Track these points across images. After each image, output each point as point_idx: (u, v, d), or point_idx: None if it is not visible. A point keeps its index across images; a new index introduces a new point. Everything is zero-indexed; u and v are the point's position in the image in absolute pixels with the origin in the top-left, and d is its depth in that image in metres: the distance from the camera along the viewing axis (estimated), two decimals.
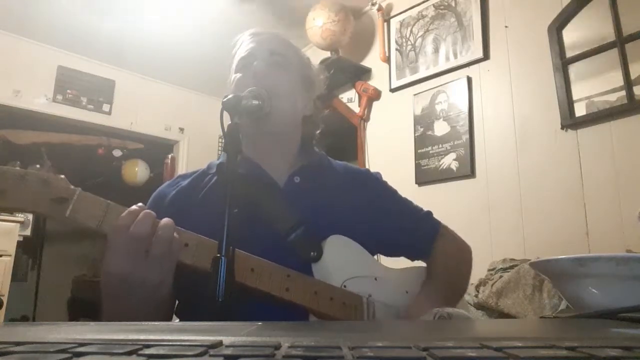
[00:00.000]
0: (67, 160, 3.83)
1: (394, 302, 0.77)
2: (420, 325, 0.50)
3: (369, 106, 2.76)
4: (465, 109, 2.22)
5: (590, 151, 1.76)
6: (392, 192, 0.92)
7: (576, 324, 0.41)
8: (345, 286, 0.73)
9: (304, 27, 2.76)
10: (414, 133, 2.44)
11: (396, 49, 2.65)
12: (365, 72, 2.82)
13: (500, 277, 1.63)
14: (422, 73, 2.47)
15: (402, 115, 2.53)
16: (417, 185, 2.37)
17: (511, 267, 1.67)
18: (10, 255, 2.88)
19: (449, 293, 0.82)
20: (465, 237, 0.94)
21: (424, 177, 2.35)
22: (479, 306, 1.65)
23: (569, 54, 1.88)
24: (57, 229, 4.82)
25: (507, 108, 2.08)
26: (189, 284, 0.61)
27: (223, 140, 0.63)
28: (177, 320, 0.74)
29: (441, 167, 2.27)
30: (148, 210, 0.58)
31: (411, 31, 2.59)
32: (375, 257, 0.86)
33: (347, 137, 2.76)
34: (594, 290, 0.46)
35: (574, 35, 1.89)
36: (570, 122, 1.82)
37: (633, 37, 1.68)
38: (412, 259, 0.92)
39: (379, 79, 2.75)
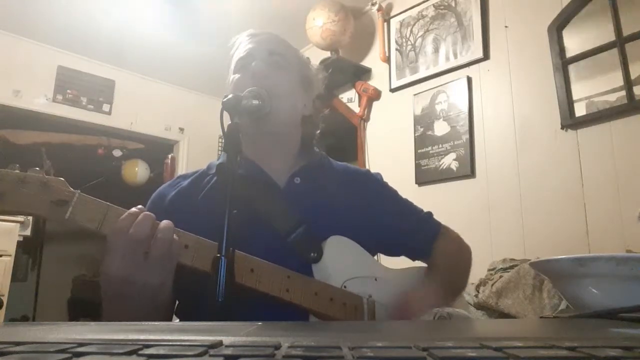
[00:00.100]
0: (67, 160, 3.83)
1: (395, 303, 0.77)
2: (420, 325, 0.50)
3: (369, 106, 2.76)
4: (465, 109, 2.22)
5: (590, 151, 1.76)
6: (393, 193, 0.92)
7: (576, 324, 0.41)
8: (345, 287, 0.73)
9: (304, 27, 2.76)
10: (414, 133, 2.44)
11: (396, 49, 2.65)
12: (365, 72, 2.82)
13: (500, 277, 1.63)
14: (422, 73, 2.47)
15: (402, 115, 2.53)
16: (417, 185, 2.37)
17: (511, 267, 1.67)
18: (10, 255, 2.88)
19: (447, 290, 0.82)
20: (465, 237, 0.94)
21: (424, 177, 2.35)
22: (479, 306, 1.65)
23: (569, 54, 1.88)
24: (57, 229, 4.82)
25: (507, 108, 2.08)
26: (189, 285, 0.61)
27: (223, 140, 0.63)
28: (177, 320, 0.74)
29: (441, 167, 2.27)
30: (147, 212, 0.58)
31: (411, 31, 2.59)
32: (376, 257, 0.86)
33: (347, 137, 2.76)
34: (594, 290, 0.46)
35: (574, 35, 1.89)
36: (570, 122, 1.82)
37: (633, 37, 1.68)
38: (413, 259, 0.92)
39: (379, 79, 2.75)
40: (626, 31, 1.70)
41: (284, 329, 0.35)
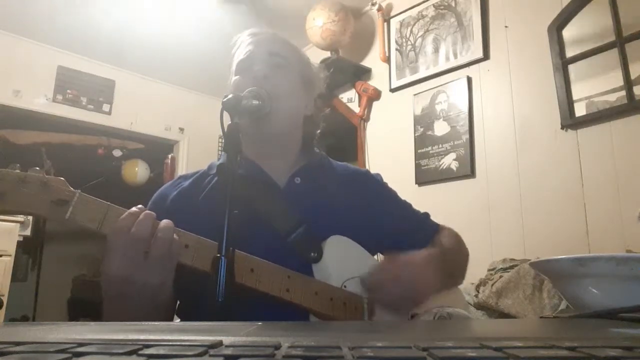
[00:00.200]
0: (67, 160, 3.83)
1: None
2: (420, 325, 0.50)
3: (369, 106, 2.76)
4: (465, 109, 2.22)
5: (590, 151, 1.76)
6: (393, 193, 0.92)
7: (576, 324, 0.41)
8: (345, 286, 0.73)
9: (304, 27, 2.76)
10: (414, 133, 2.44)
11: (396, 49, 2.65)
12: (365, 72, 2.82)
13: (500, 277, 1.63)
14: (422, 73, 2.47)
15: (402, 115, 2.53)
16: (417, 185, 2.37)
17: (511, 267, 1.67)
18: (10, 255, 2.88)
19: (444, 269, 0.73)
20: (465, 237, 0.94)
21: (424, 177, 2.35)
22: (479, 306, 1.65)
23: (569, 54, 1.88)
24: (57, 229, 4.82)
25: (507, 108, 2.08)
26: (189, 285, 0.61)
27: (223, 140, 0.63)
28: (178, 320, 0.74)
29: (441, 167, 2.27)
30: (149, 211, 0.58)
31: (411, 31, 2.59)
32: (375, 257, 0.86)
33: (347, 137, 2.77)
34: (594, 290, 0.46)
35: (574, 35, 1.89)
36: (570, 122, 1.82)
37: (633, 37, 1.68)
38: None
39: (379, 79, 2.75)
40: (626, 31, 1.70)
41: (284, 329, 0.35)
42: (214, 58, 3.07)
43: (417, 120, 2.44)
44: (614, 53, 1.72)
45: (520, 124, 2.01)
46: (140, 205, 0.60)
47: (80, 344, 0.20)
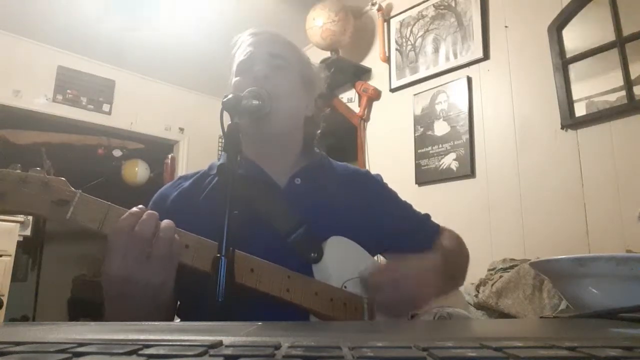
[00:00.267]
0: (67, 160, 3.83)
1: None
2: (420, 325, 0.50)
3: (369, 106, 2.76)
4: (465, 109, 2.22)
5: (590, 151, 1.76)
6: (393, 194, 0.92)
7: (576, 324, 0.41)
8: (345, 287, 0.73)
9: (304, 27, 2.76)
10: (414, 133, 2.44)
11: (396, 49, 2.65)
12: (365, 72, 2.82)
13: (500, 277, 1.63)
14: (422, 73, 2.47)
15: (402, 115, 2.53)
16: (417, 185, 2.37)
17: (511, 267, 1.67)
18: (10, 255, 2.88)
19: (445, 272, 0.73)
20: (465, 237, 0.94)
21: (424, 177, 2.35)
22: (479, 306, 1.65)
23: (569, 54, 1.88)
24: (57, 229, 4.82)
25: (507, 108, 2.08)
26: (189, 285, 0.61)
27: (223, 140, 0.63)
28: (178, 320, 0.74)
29: (441, 167, 2.27)
30: (151, 211, 0.58)
31: (411, 31, 2.59)
32: (376, 258, 0.86)
33: (347, 137, 2.76)
34: (594, 290, 0.46)
35: (574, 35, 1.89)
36: (570, 122, 1.82)
37: (633, 37, 1.68)
38: None
39: (379, 79, 2.75)
40: (626, 31, 1.70)
41: (284, 329, 0.35)
42: (214, 58, 3.07)
43: (417, 120, 2.44)
44: (614, 53, 1.72)
45: (520, 124, 2.01)
46: (141, 206, 0.60)
47: (80, 344, 0.20)
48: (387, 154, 2.59)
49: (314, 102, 0.87)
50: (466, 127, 2.20)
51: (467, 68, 2.27)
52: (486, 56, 2.20)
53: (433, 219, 0.93)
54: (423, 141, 2.39)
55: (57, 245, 4.94)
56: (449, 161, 2.24)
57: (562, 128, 1.85)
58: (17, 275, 3.84)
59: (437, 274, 0.69)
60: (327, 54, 2.82)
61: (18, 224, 2.99)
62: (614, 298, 0.43)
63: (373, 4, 2.75)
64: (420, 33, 2.53)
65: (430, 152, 2.33)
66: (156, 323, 0.37)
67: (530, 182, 1.93)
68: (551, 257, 0.50)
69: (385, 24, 2.73)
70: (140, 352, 0.18)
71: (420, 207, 0.94)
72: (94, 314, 3.92)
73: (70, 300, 4.72)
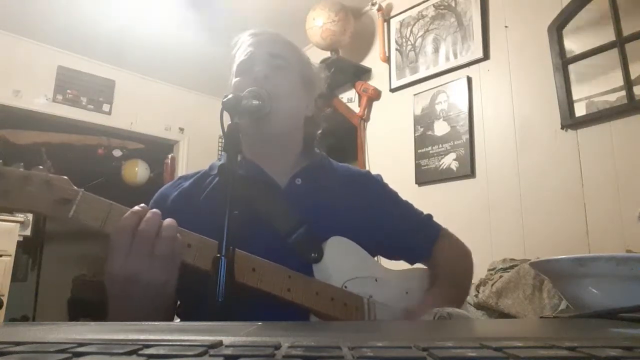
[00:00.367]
0: (67, 160, 3.83)
1: (395, 303, 0.77)
2: (420, 325, 0.50)
3: (369, 106, 2.76)
4: (465, 109, 2.22)
5: (590, 151, 1.76)
6: (393, 195, 0.92)
7: (576, 324, 0.41)
8: (346, 287, 0.73)
9: (304, 26, 2.76)
10: (414, 133, 2.44)
11: (396, 49, 2.65)
12: (365, 72, 2.82)
13: (500, 277, 1.63)
14: (422, 73, 2.47)
15: (402, 115, 2.53)
16: (417, 185, 2.37)
17: (511, 267, 1.67)
18: (10, 255, 2.88)
19: (454, 297, 0.82)
20: (465, 237, 0.94)
21: (424, 177, 2.35)
22: (479, 306, 1.65)
23: (569, 54, 1.88)
24: (57, 229, 4.82)
25: (507, 108, 2.08)
26: (189, 285, 0.61)
27: (223, 140, 0.63)
28: (178, 320, 0.74)
29: (441, 167, 2.27)
30: (155, 210, 0.58)
31: (411, 31, 2.59)
32: (376, 258, 0.86)
33: (347, 137, 2.76)
34: (594, 290, 0.46)
35: (574, 35, 1.89)
36: (570, 122, 1.82)
37: (633, 37, 1.68)
38: (412, 263, 0.92)
39: (379, 79, 2.75)
40: (626, 31, 1.70)
41: (284, 329, 0.35)
42: (214, 58, 3.07)
43: (417, 120, 2.44)
44: (614, 53, 1.72)
45: (520, 124, 2.01)
46: (142, 204, 0.60)
47: (80, 344, 0.20)
48: (387, 154, 2.59)
49: (314, 102, 0.87)
50: (466, 127, 2.20)
51: (467, 68, 2.27)
52: (486, 56, 2.20)
53: (433, 219, 0.93)
54: (423, 141, 2.39)
55: (57, 245, 4.94)
56: (449, 161, 2.24)
57: (562, 128, 1.85)
58: (17, 275, 3.84)
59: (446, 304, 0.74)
60: (327, 54, 2.82)
61: (18, 224, 2.99)
62: (614, 298, 0.43)
63: (373, 4, 2.75)
64: (420, 33, 2.53)
65: (430, 152, 2.33)
66: (156, 323, 0.37)
67: (530, 182, 1.93)
68: (551, 257, 0.50)
69: (385, 24, 2.73)
70: (140, 352, 0.18)
71: (420, 207, 0.94)
72: (94, 314, 3.92)
73: (70, 300, 4.72)
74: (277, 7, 2.85)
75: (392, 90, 2.63)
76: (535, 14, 2.02)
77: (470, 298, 1.69)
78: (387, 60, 2.68)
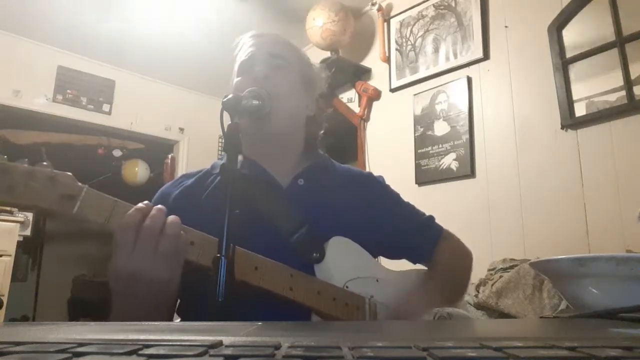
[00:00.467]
0: (67, 160, 3.83)
1: (396, 303, 0.77)
2: (420, 325, 0.50)
3: (369, 106, 2.76)
4: (465, 109, 2.22)
5: (590, 151, 1.76)
6: (395, 196, 0.92)
7: (576, 324, 0.41)
8: (347, 287, 0.73)
9: (304, 26, 2.76)
10: (414, 133, 2.44)
11: (396, 49, 2.65)
12: (365, 72, 2.82)
13: (500, 277, 1.63)
14: (422, 73, 2.47)
15: (402, 115, 2.53)
16: (417, 185, 2.37)
17: (511, 267, 1.67)
18: (10, 255, 2.88)
19: (447, 294, 0.82)
20: (465, 237, 0.94)
21: (424, 177, 2.35)
22: (479, 306, 1.65)
23: (569, 54, 1.88)
24: (57, 229, 4.82)
25: (507, 108, 2.08)
26: (190, 284, 0.61)
27: (223, 140, 0.63)
28: (179, 319, 0.74)
29: (441, 167, 2.27)
30: (160, 206, 0.58)
31: (411, 31, 2.59)
32: (377, 259, 0.86)
33: (347, 137, 2.77)
34: (594, 290, 0.46)
35: (574, 35, 1.89)
36: (570, 122, 1.82)
37: (633, 37, 1.68)
38: (414, 262, 0.92)
39: (379, 79, 2.75)
40: (626, 31, 1.70)
41: (284, 329, 0.35)
42: (214, 58, 3.07)
43: (417, 120, 2.44)
44: (614, 53, 1.72)
45: (520, 124, 2.01)
46: (146, 201, 0.60)
47: (80, 344, 0.20)
48: (387, 154, 2.59)
49: (315, 102, 0.87)
50: (466, 127, 2.20)
51: (467, 68, 2.27)
52: (486, 56, 2.20)
53: (435, 220, 0.93)
54: (423, 141, 2.39)
55: (57, 245, 4.94)
56: (449, 161, 2.24)
57: (562, 128, 1.85)
58: (17, 275, 3.84)
59: (440, 301, 0.73)
60: (327, 54, 2.82)
61: (18, 224, 2.99)
62: (614, 298, 0.43)
63: (373, 4, 2.75)
64: (420, 33, 2.53)
65: (430, 152, 2.33)
66: (156, 323, 0.37)
67: (530, 182, 1.93)
68: (551, 257, 0.50)
69: (385, 24, 2.73)
70: (140, 352, 0.18)
71: (420, 207, 0.94)
72: (94, 314, 3.91)
73: (70, 300, 4.71)
74: (277, 7, 2.85)
75: (392, 90, 2.63)
76: (535, 14, 2.02)
77: (470, 298, 1.69)
78: (387, 60, 2.68)
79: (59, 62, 3.27)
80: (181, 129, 3.86)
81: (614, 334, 0.30)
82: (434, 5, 2.49)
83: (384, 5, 2.75)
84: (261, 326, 0.32)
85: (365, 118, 2.75)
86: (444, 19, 2.43)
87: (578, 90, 1.83)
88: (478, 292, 1.68)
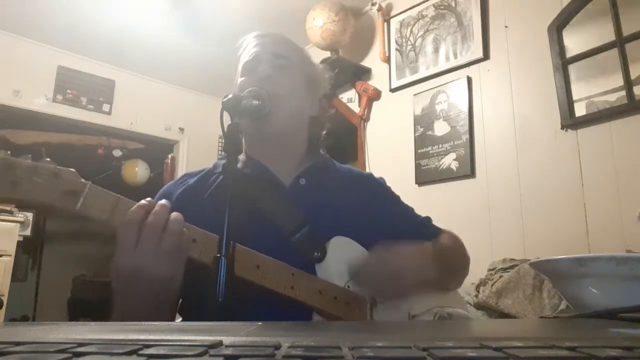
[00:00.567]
0: (67, 160, 3.82)
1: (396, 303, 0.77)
2: (420, 325, 0.50)
3: (369, 106, 2.76)
4: (465, 109, 2.22)
5: (590, 151, 1.76)
6: (395, 196, 0.93)
7: (576, 324, 0.41)
8: (348, 286, 0.73)
9: (304, 26, 2.76)
10: (414, 133, 2.44)
11: (396, 49, 2.65)
12: (365, 72, 2.82)
13: (500, 277, 1.63)
14: (422, 73, 2.47)
15: (402, 115, 2.53)
16: (417, 185, 2.37)
17: (511, 267, 1.67)
18: (10, 255, 2.88)
19: (440, 267, 0.73)
20: (465, 237, 0.93)
21: (424, 177, 2.35)
22: (479, 306, 1.65)
23: (569, 54, 1.88)
24: (57, 229, 4.82)
25: (507, 108, 2.08)
26: (190, 283, 0.61)
27: (223, 141, 0.63)
28: (180, 318, 0.74)
29: (441, 167, 2.27)
30: (163, 202, 0.58)
31: (411, 31, 2.59)
32: None
33: (347, 137, 2.76)
34: (594, 290, 0.46)
35: (574, 35, 1.89)
36: (570, 122, 1.82)
37: (633, 37, 1.68)
38: None
39: (379, 79, 2.75)
40: (626, 31, 1.70)
41: (284, 329, 0.35)
42: (214, 58, 3.07)
43: (417, 120, 2.44)
44: (614, 53, 1.72)
45: (520, 124, 2.01)
46: (149, 198, 0.60)
47: (80, 344, 0.20)
48: (387, 154, 2.59)
49: (318, 102, 0.88)
50: (466, 127, 2.20)
51: (467, 68, 2.27)
52: (486, 56, 2.20)
53: (433, 219, 0.93)
54: (423, 141, 2.39)
55: (57, 245, 4.93)
56: (449, 161, 2.24)
57: (562, 128, 1.85)
58: (17, 275, 3.84)
59: (425, 261, 0.70)
60: (327, 54, 2.82)
61: (18, 224, 2.99)
62: (614, 298, 0.43)
63: (373, 4, 2.75)
64: (420, 33, 2.53)
65: (430, 152, 2.33)
66: (156, 323, 0.37)
67: (530, 182, 1.93)
68: (551, 257, 0.50)
69: (385, 24, 2.73)
70: (140, 352, 0.18)
71: (420, 207, 0.94)
72: (94, 314, 3.91)
73: (70, 300, 4.71)
74: (277, 7, 2.85)
75: (392, 90, 2.63)
76: (535, 14, 2.02)
77: (470, 298, 1.69)
78: (387, 60, 2.68)
79: (59, 62, 3.27)
80: (181, 129, 3.86)
81: (614, 334, 0.30)
82: (434, 5, 2.49)
83: (384, 5, 2.75)
84: (261, 326, 0.32)
85: (365, 118, 2.75)
86: (444, 19, 2.43)
87: (578, 90, 1.83)
88: (478, 292, 1.68)
